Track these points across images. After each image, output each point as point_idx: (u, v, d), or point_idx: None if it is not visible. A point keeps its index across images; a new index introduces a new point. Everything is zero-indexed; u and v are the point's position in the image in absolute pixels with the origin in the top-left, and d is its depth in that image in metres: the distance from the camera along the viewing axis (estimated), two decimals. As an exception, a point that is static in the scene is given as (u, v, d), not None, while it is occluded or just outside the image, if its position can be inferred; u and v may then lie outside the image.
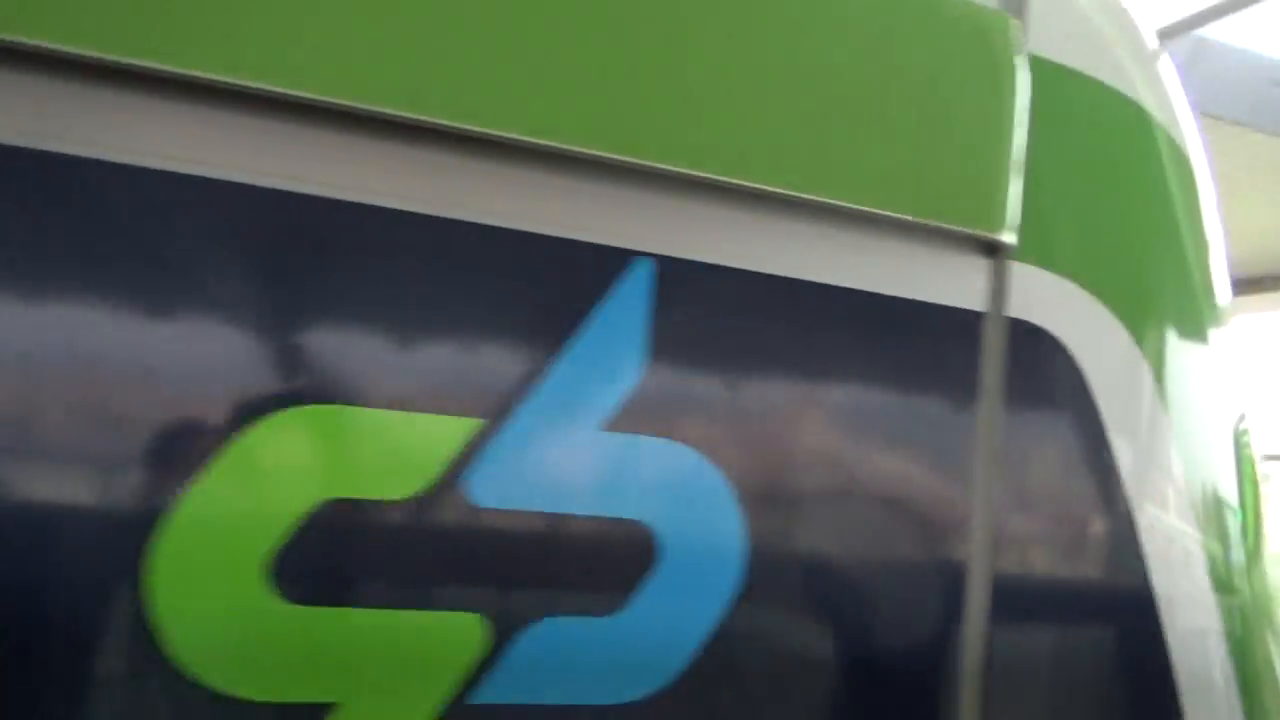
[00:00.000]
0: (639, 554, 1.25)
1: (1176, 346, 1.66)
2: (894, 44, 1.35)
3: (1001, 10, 1.43)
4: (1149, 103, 1.61)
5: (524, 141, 1.17)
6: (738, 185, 1.27)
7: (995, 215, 1.39)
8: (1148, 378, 1.58)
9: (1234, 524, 1.70)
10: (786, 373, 1.35)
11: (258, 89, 1.07)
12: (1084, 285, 1.51)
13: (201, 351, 1.09)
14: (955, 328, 1.41)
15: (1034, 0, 1.47)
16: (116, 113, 1.06)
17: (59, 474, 1.07)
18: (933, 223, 1.35)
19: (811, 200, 1.31)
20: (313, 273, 1.14)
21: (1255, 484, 1.80)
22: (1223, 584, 1.63)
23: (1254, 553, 1.74)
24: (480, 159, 1.19)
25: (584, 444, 1.23)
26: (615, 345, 1.24)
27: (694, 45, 1.25)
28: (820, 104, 1.31)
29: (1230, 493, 1.71)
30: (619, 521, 1.25)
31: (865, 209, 1.32)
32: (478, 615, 1.18)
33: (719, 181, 1.26)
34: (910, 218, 1.34)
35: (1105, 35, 1.61)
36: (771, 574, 1.32)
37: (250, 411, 1.09)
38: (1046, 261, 1.48)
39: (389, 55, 1.12)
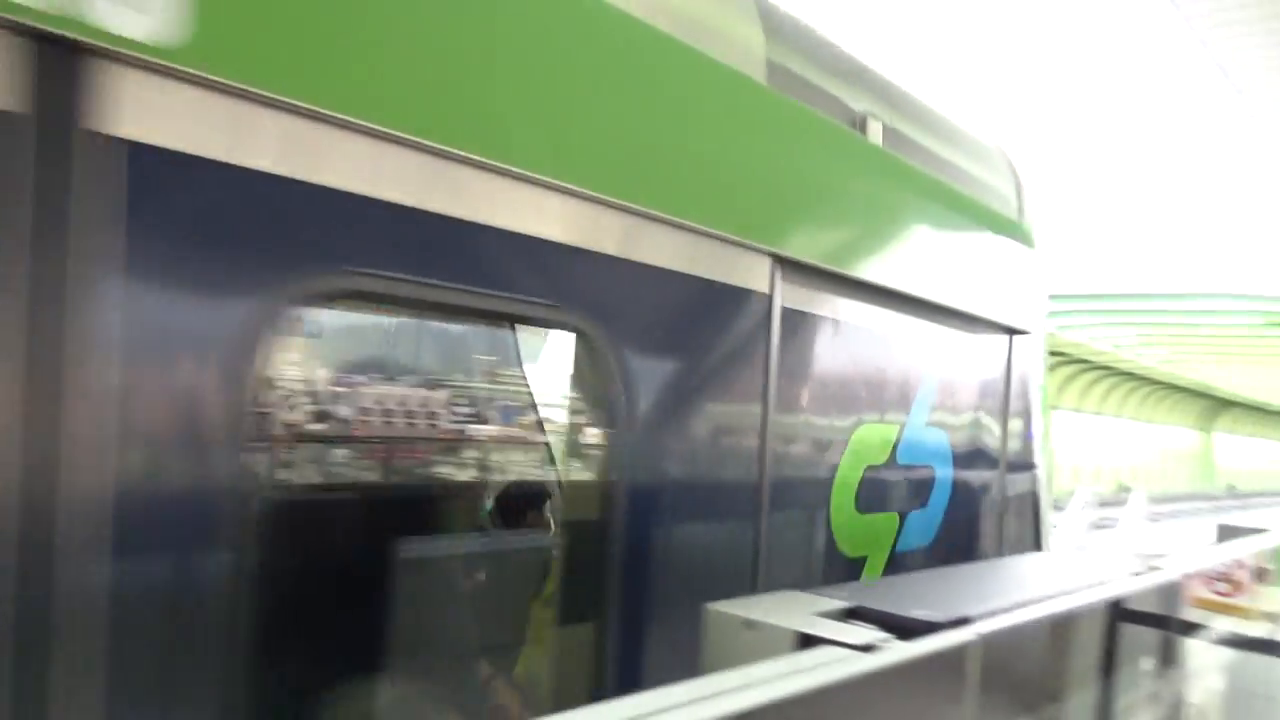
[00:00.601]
0: (934, 482, 3.56)
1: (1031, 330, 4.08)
2: (973, 235, 3.61)
3: (1024, 221, 3.89)
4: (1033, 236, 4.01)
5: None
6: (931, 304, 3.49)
7: (1018, 318, 3.85)
8: (1040, 351, 3.99)
9: (1044, 410, 3.39)
10: (943, 390, 3.63)
11: None
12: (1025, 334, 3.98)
13: (851, 412, 3.21)
14: (999, 368, 3.89)
15: (1025, 210, 3.89)
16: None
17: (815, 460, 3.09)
18: (993, 319, 3.73)
19: (950, 309, 3.54)
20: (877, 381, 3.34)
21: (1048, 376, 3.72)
22: (1046, 452, 3.41)
23: (1049, 427, 3.30)
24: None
25: (923, 433, 3.47)
26: (930, 388, 3.49)
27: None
28: (940, 272, 3.50)
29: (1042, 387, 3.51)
30: (930, 467, 3.54)
31: (968, 312, 3.64)
32: (896, 515, 3.40)
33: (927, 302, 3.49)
34: (981, 315, 3.68)
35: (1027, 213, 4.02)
36: (959, 486, 3.67)
37: (853, 427, 3.21)
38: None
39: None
